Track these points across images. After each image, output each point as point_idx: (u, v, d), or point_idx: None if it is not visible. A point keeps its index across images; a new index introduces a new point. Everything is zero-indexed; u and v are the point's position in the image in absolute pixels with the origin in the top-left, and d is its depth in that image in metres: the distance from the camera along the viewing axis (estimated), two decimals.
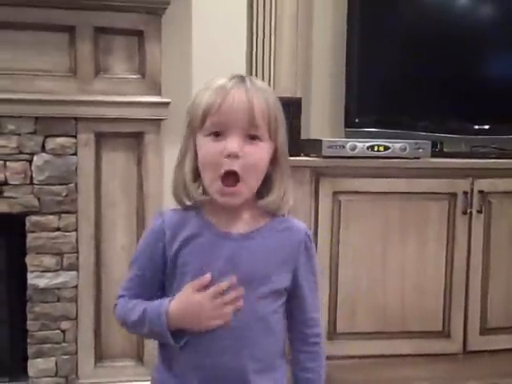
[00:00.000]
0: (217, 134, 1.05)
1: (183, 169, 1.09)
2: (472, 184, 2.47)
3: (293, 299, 1.15)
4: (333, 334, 2.35)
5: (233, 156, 1.03)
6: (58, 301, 2.09)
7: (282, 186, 1.11)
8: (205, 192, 1.10)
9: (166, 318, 1.05)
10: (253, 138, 1.06)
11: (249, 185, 1.06)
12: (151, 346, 2.13)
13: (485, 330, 2.50)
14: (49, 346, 2.09)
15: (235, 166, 1.04)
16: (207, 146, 1.05)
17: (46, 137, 2.08)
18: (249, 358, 1.08)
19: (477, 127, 2.71)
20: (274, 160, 1.11)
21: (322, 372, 1.19)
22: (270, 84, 2.39)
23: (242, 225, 1.11)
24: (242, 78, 1.08)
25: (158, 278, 1.11)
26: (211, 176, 1.05)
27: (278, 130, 1.09)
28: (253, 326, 1.08)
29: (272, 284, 1.10)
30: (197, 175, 1.10)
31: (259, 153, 1.06)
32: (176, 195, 1.11)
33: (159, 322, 1.05)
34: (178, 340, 1.06)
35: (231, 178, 1.04)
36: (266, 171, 1.09)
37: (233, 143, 1.03)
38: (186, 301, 1.05)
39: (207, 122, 1.05)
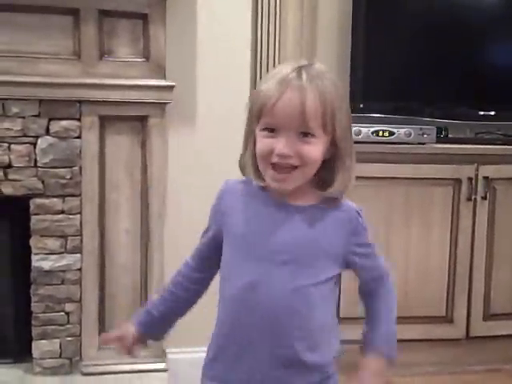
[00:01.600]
0: (271, 130, 1.09)
1: (244, 155, 1.16)
2: (477, 170, 2.46)
3: (351, 268, 1.18)
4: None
5: (283, 156, 1.07)
6: (63, 283, 2.09)
7: (345, 173, 1.13)
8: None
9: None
10: (306, 134, 1.08)
11: (302, 172, 1.10)
12: None
13: (488, 316, 2.51)
14: (53, 327, 2.10)
15: (286, 162, 1.08)
16: (261, 141, 1.10)
17: (51, 120, 2.08)
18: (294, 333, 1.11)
19: (482, 113, 2.69)
20: (333, 148, 1.12)
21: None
22: (274, 67, 2.38)
23: (296, 200, 1.14)
24: (299, 72, 1.08)
25: (219, 240, 1.19)
26: (264, 166, 1.10)
27: (334, 122, 1.09)
28: (291, 300, 1.11)
29: (319, 255, 1.12)
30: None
31: (311, 150, 1.08)
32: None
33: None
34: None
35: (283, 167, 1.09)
36: (321, 160, 1.11)
37: (283, 145, 1.07)
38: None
39: (261, 120, 1.09)
